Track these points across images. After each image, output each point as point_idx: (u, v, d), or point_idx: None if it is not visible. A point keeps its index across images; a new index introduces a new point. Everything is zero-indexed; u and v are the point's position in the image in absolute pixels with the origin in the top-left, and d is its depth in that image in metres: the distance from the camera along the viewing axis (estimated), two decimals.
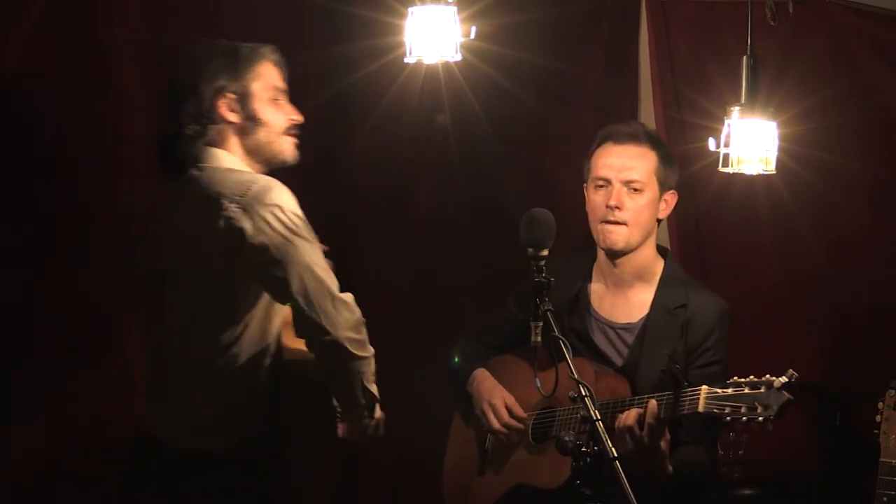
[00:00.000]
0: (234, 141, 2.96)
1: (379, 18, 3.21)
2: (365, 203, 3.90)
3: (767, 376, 2.85)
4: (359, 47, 3.25)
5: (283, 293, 2.81)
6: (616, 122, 3.38)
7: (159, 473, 2.91)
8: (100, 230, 3.33)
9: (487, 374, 3.42)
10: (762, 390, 2.82)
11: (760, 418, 2.81)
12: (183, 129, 2.90)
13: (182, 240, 2.88)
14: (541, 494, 3.25)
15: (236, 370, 2.87)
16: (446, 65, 3.03)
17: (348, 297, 2.84)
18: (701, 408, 2.90)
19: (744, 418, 2.83)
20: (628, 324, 3.30)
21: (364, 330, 2.85)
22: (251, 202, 2.80)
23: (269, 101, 2.96)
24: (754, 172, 3.12)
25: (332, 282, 2.82)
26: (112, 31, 3.30)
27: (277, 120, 2.97)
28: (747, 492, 3.97)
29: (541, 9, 4.00)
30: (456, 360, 3.46)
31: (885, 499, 3.08)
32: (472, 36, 2.93)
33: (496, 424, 3.33)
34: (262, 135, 2.96)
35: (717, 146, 3.10)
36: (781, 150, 3.13)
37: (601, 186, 3.26)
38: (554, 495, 3.19)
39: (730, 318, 3.26)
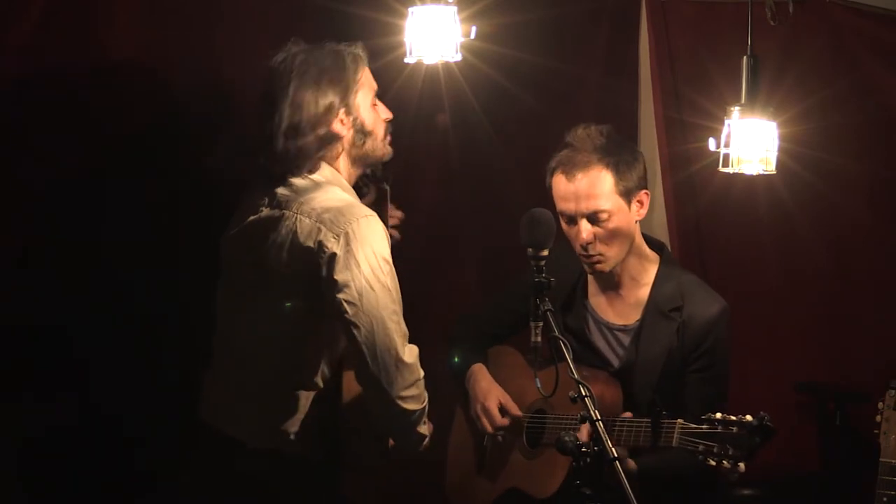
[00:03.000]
0: (343, 153, 2.99)
1: (379, 18, 3.21)
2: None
3: (741, 416, 2.84)
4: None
5: (351, 336, 2.84)
6: (611, 123, 3.32)
7: (230, 467, 2.95)
8: (102, 228, 3.32)
9: (484, 371, 3.41)
10: (734, 430, 2.82)
11: (728, 463, 2.81)
12: (296, 143, 2.90)
13: (275, 248, 2.89)
14: (534, 501, 3.25)
15: (306, 383, 2.95)
16: (446, 65, 3.03)
17: (412, 355, 2.88)
18: (675, 442, 2.90)
19: (713, 459, 2.83)
20: (624, 325, 3.28)
21: (421, 384, 2.90)
22: (349, 235, 2.82)
23: (371, 107, 2.99)
24: (754, 172, 3.12)
25: (401, 338, 2.85)
26: (112, 31, 3.29)
27: (379, 125, 3.01)
28: (747, 492, 3.97)
29: (541, 9, 4.00)
30: (455, 355, 3.47)
31: (885, 499, 3.08)
32: (472, 36, 2.93)
33: (489, 429, 3.33)
34: (369, 144, 3.00)
35: (717, 146, 3.09)
36: (781, 150, 3.13)
37: (568, 222, 3.22)
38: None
39: (729, 317, 3.23)
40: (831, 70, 3.99)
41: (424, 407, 2.93)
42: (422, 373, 2.91)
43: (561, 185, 3.20)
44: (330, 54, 2.96)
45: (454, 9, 2.88)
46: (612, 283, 3.29)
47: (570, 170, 3.18)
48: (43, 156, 3.22)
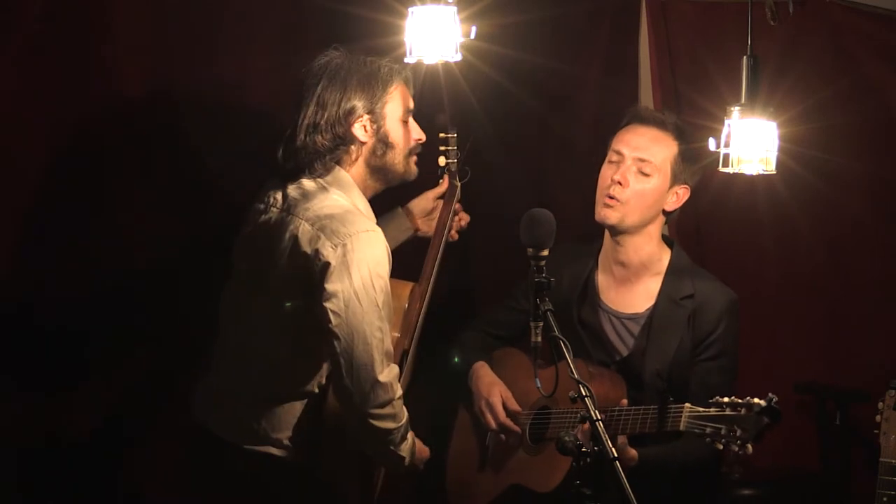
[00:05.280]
0: (360, 160, 3.00)
1: (379, 18, 3.21)
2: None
3: (748, 398, 2.86)
4: (359, 47, 3.25)
5: (331, 347, 2.86)
6: (611, 123, 3.40)
7: (220, 469, 2.98)
8: (103, 229, 3.33)
9: (487, 368, 3.43)
10: (742, 412, 2.84)
11: (737, 446, 2.82)
12: (314, 139, 2.93)
13: (277, 252, 2.91)
14: (535, 496, 3.26)
15: (305, 391, 2.97)
16: (446, 65, 3.04)
17: (389, 375, 2.87)
18: (682, 426, 2.92)
19: (721, 442, 2.85)
20: (634, 314, 3.32)
21: (397, 405, 2.89)
22: (347, 247, 2.83)
23: (399, 122, 3.01)
24: (754, 172, 3.12)
25: (381, 356, 2.85)
26: (112, 32, 3.29)
27: (406, 141, 3.04)
28: (747, 492, 3.97)
29: (541, 9, 3.99)
30: (457, 356, 3.47)
31: (885, 499, 3.08)
32: (472, 36, 2.93)
33: (493, 425, 3.34)
34: (389, 157, 3.02)
35: (717, 146, 3.10)
36: (781, 150, 3.13)
37: (614, 162, 3.30)
38: (547, 499, 3.21)
39: (738, 308, 3.29)
40: (831, 70, 3.99)
41: (399, 427, 2.92)
42: (398, 393, 2.91)
43: (632, 128, 3.33)
44: (366, 62, 3.00)
45: (454, 9, 2.88)
46: (623, 268, 3.32)
47: (647, 120, 3.32)
48: (43, 154, 3.23)
